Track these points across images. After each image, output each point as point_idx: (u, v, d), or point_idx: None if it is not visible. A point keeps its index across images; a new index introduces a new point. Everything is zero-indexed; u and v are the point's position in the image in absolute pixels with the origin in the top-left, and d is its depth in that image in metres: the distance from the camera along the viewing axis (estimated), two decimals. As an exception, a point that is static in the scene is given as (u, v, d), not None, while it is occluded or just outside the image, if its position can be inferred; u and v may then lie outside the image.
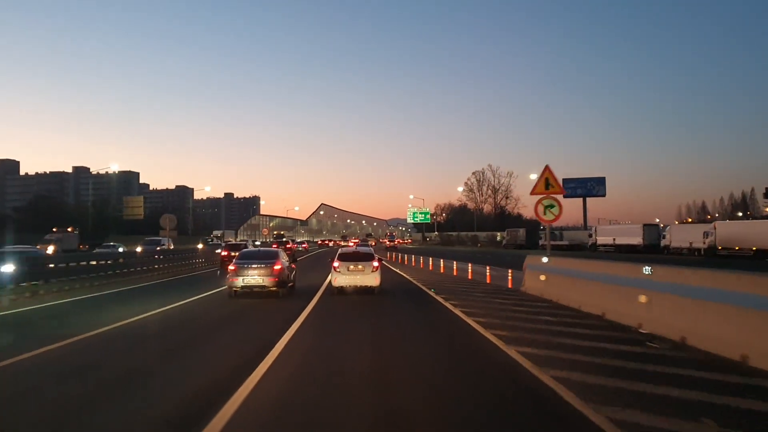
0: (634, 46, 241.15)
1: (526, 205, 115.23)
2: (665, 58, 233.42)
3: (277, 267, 16.40)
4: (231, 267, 16.66)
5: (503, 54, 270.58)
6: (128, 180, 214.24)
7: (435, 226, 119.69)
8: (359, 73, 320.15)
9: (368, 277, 16.73)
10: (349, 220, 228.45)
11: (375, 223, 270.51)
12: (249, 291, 16.25)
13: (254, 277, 16.17)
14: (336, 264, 16.97)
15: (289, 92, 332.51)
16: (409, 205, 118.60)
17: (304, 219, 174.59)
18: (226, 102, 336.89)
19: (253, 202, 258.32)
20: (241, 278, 16.19)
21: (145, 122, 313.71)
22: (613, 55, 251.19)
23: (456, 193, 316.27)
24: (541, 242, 76.10)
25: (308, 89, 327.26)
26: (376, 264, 16.99)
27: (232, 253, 25.62)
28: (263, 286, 16.15)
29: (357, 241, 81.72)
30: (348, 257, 17.25)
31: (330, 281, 17.93)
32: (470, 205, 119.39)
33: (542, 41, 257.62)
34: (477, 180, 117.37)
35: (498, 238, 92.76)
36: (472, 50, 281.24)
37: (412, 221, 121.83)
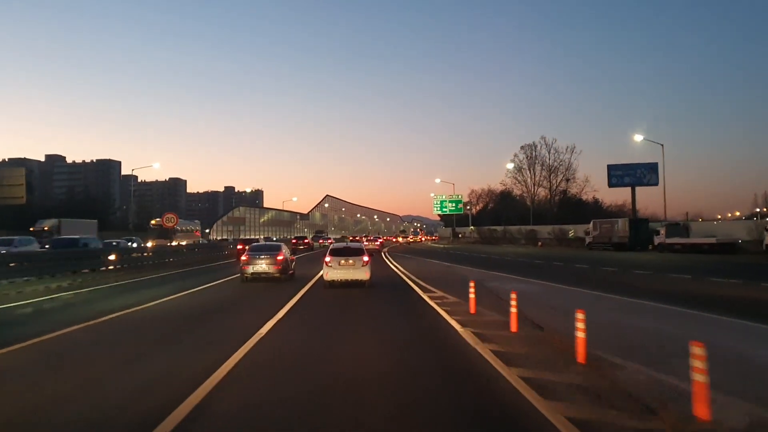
0: (695, 16, 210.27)
1: (598, 188, 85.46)
2: (725, 29, 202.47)
3: (280, 257, 19.95)
4: (243, 258, 20.21)
5: (543, 26, 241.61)
6: (107, 169, 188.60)
7: (470, 219, 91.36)
8: (367, 49, 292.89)
9: (359, 271, 17.19)
10: (359, 215, 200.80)
11: (388, 219, 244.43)
12: (257, 277, 19.78)
13: (262, 265, 19.68)
14: (327, 259, 17.44)
15: (293, 82, 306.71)
16: (432, 194, 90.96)
17: (306, 213, 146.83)
18: (229, 94, 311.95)
19: (255, 196, 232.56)
20: (251, 266, 19.71)
21: (144, 115, 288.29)
22: (669, 25, 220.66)
23: (495, 177, 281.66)
24: (657, 240, 48.14)
25: (312, 76, 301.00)
26: (366, 259, 17.48)
27: (246, 247, 27.73)
28: (269, 273, 19.68)
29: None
30: (339, 252, 17.78)
31: (322, 274, 18.49)
32: (517, 190, 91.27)
33: (593, 13, 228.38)
34: (527, 156, 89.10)
35: (570, 234, 64.40)
36: (511, 18, 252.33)
37: (439, 212, 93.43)
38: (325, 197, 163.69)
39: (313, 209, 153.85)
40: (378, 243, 68.04)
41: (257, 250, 20.56)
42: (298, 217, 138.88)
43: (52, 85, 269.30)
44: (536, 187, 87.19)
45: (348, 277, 17.19)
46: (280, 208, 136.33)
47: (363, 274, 17.20)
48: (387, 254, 45.99)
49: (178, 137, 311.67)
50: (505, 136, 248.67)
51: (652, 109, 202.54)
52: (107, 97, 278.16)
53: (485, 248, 62.86)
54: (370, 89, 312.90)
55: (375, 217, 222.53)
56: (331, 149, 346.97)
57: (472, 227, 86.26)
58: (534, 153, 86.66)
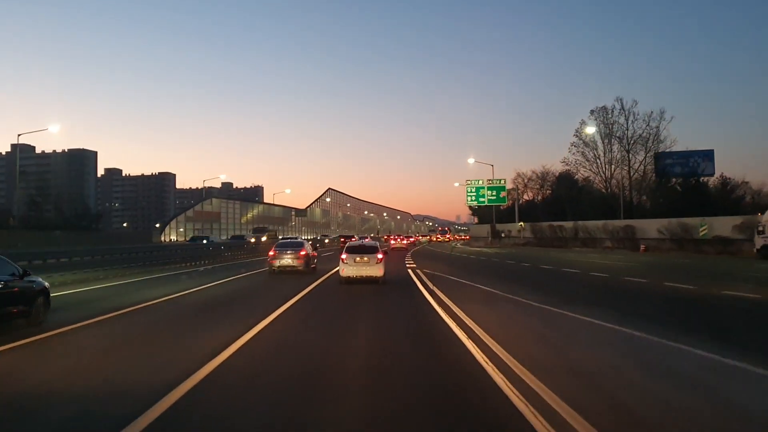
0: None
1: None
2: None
3: (303, 253, 22.45)
4: (271, 253, 22.94)
5: None
6: (81, 160, 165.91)
7: (516, 212, 66.90)
8: (370, 31, 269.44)
9: (373, 268, 17.79)
10: (366, 212, 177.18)
11: (398, 216, 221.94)
12: (283, 269, 22.11)
13: (287, 260, 22.23)
14: (344, 256, 18.15)
15: (295, 75, 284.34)
16: (457, 184, 68.32)
17: (303, 208, 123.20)
18: (227, 88, 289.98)
19: (254, 193, 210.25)
20: (278, 261, 22.30)
21: (135, 109, 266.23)
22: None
23: (551, 156, 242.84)
24: None
25: (316, 68, 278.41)
26: (380, 256, 18.07)
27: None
28: (293, 266, 22.08)
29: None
30: (354, 250, 18.46)
31: (338, 270, 18.94)
32: (584, 171, 65.35)
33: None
34: (598, 124, 62.99)
35: (701, 233, 40.53)
36: None
37: (475, 203, 69.17)
38: (327, 191, 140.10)
39: (312, 204, 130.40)
40: (405, 243, 57.46)
41: (283, 247, 23.28)
42: (293, 213, 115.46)
43: (51, 80, 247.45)
44: (613, 167, 62.91)
45: (363, 274, 17.80)
46: (272, 202, 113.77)
47: (377, 270, 17.77)
48: (421, 273, 22.27)
49: (171, 131, 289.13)
50: (550, 110, 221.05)
51: (706, 81, 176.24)
52: (91, 88, 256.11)
53: (558, 255, 39.45)
54: (378, 77, 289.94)
55: (384, 214, 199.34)
56: (336, 146, 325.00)
57: (521, 223, 62.25)
58: (608, 119, 62.25)
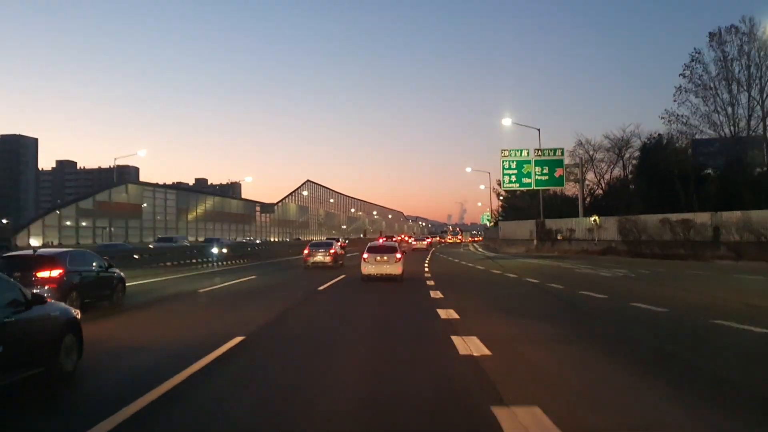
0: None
1: None
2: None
3: (332, 251, 27.30)
4: (306, 251, 27.82)
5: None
6: (15, 148, 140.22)
7: (580, 199, 42.31)
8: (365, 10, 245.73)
9: (393, 266, 18.95)
10: (353, 209, 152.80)
11: (390, 216, 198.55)
12: (316, 265, 26.69)
13: (319, 257, 27.05)
14: (365, 255, 19.34)
15: (275, 66, 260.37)
16: (469, 169, 49.30)
17: (273, 203, 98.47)
18: (201, 80, 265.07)
19: (231, 190, 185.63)
20: (312, 258, 27.04)
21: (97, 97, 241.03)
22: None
23: (622, 118, 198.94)
24: None
25: (303, 61, 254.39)
26: (399, 255, 19.18)
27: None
28: (324, 263, 26.77)
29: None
30: (375, 250, 19.73)
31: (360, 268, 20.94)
32: (705, 129, 43.12)
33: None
34: (722, 59, 39.48)
35: None
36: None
37: (515, 186, 44.08)
38: (305, 183, 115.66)
39: (285, 198, 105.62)
40: (426, 244, 59.13)
41: (316, 246, 28.27)
42: (258, 208, 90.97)
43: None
44: (752, 123, 39.97)
45: (383, 272, 18.85)
46: (237, 197, 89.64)
47: (396, 269, 18.83)
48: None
49: (137, 125, 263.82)
50: (620, 54, 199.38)
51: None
52: (45, 74, 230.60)
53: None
54: (368, 55, 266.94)
55: (375, 213, 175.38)
56: (319, 141, 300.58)
57: (595, 218, 38.47)
58: (738, 51, 38.68)
